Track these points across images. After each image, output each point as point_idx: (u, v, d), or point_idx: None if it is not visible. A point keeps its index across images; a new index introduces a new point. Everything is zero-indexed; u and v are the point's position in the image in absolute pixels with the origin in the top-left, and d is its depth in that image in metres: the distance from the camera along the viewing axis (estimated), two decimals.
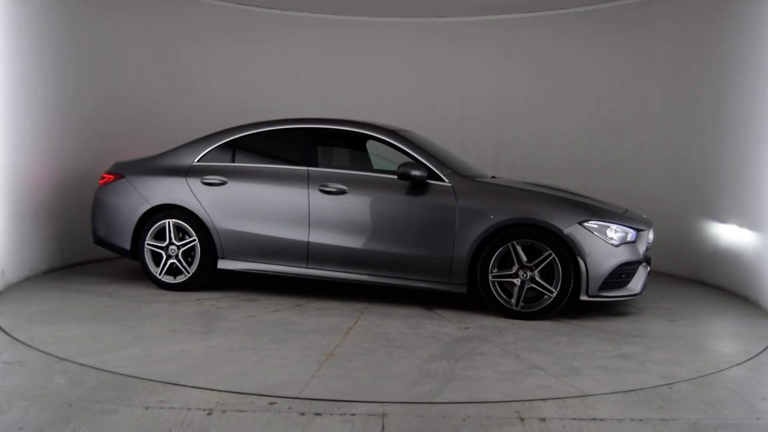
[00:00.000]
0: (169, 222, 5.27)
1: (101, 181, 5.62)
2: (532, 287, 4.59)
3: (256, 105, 7.67)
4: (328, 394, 3.09)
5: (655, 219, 6.58)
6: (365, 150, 5.60)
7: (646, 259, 4.89)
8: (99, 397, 2.99)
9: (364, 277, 4.96)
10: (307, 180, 5.05)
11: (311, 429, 2.73)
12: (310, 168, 5.10)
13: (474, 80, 8.03)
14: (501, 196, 4.77)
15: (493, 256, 4.62)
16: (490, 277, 4.63)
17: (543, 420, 2.87)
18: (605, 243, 4.57)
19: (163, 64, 7.20)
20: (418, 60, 8.15)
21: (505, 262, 4.63)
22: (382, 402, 3.02)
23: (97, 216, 5.60)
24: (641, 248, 4.76)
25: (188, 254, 5.27)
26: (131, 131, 6.84)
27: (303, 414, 2.86)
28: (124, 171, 5.53)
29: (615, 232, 4.62)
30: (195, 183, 5.27)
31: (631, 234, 4.70)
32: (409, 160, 4.94)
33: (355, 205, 4.95)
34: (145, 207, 5.32)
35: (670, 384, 3.37)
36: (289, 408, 2.92)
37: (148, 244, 5.30)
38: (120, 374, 3.28)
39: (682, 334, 4.42)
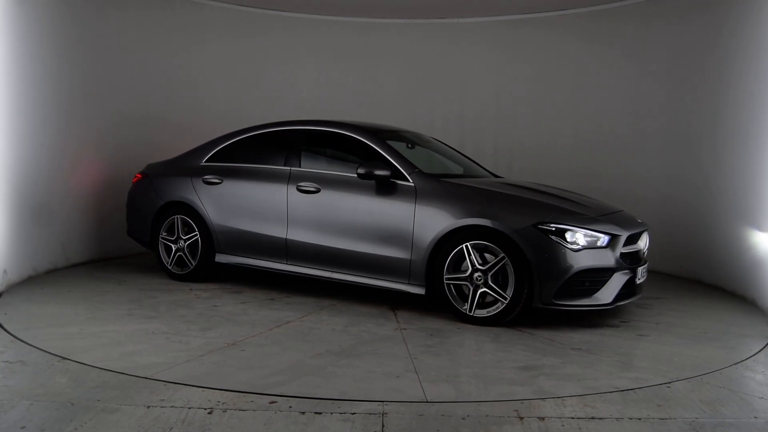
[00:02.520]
0: (177, 218, 5.68)
1: (134, 180, 6.11)
2: (487, 292, 4.38)
3: (259, 107, 7.70)
4: (179, 377, 3.26)
5: (654, 219, 6.59)
6: (342, 150, 5.47)
7: (630, 267, 4.49)
8: (101, 395, 3.01)
9: (335, 275, 5.02)
10: (288, 179, 5.21)
11: (311, 428, 2.74)
12: (292, 168, 5.26)
13: (474, 81, 8.04)
14: (459, 196, 4.59)
15: (447, 257, 4.48)
16: (444, 280, 4.51)
17: (542, 419, 2.89)
18: (562, 247, 4.24)
19: (168, 65, 7.20)
20: (418, 61, 8.16)
21: (462, 265, 4.46)
22: (383, 401, 3.04)
23: (128, 211, 6.11)
24: (613, 255, 4.37)
25: (196, 247, 5.62)
26: (134, 132, 6.85)
27: (303, 413, 2.88)
28: (148, 171, 6.05)
29: (582, 237, 4.28)
30: (198, 182, 5.63)
31: (602, 239, 4.35)
32: (379, 159, 4.90)
33: (326, 203, 5.02)
34: (159, 203, 5.78)
35: (669, 383, 3.39)
36: (290, 407, 2.94)
37: (162, 238, 5.76)
38: (121, 373, 3.30)
39: (630, 351, 4.01)
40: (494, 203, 4.52)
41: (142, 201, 5.92)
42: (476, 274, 4.40)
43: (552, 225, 4.30)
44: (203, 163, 5.71)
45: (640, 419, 2.91)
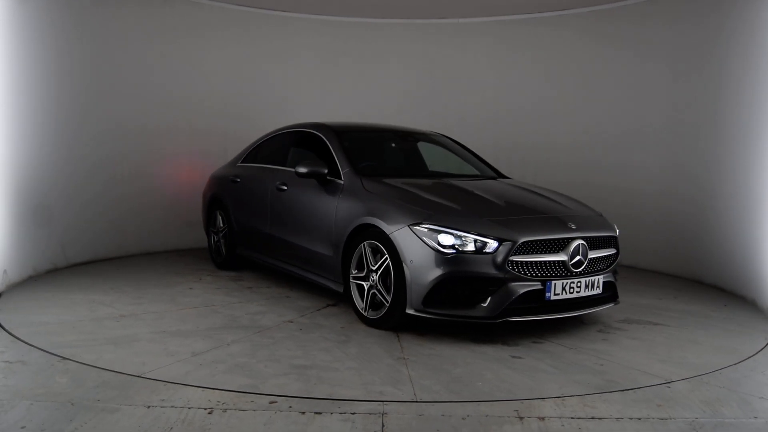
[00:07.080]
0: (217, 212, 6.28)
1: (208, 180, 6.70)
2: (375, 293, 4.24)
3: (259, 107, 7.70)
4: (41, 342, 3.76)
5: (654, 218, 6.59)
6: (313, 149, 5.36)
7: (537, 278, 3.93)
8: (101, 395, 3.01)
9: (293, 269, 5.23)
10: (274, 178, 5.48)
11: (312, 428, 2.74)
12: (280, 167, 5.53)
13: (474, 81, 8.05)
14: (372, 195, 4.43)
15: (352, 256, 4.39)
16: (351, 279, 4.43)
17: (542, 419, 2.89)
18: (433, 251, 3.88)
19: (171, 65, 7.21)
20: (418, 61, 8.17)
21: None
22: (382, 401, 3.04)
23: (202, 207, 6.69)
24: (500, 263, 3.84)
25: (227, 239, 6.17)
26: (129, 132, 6.86)
27: (303, 413, 2.88)
28: (214, 172, 6.59)
29: (461, 240, 3.87)
30: (228, 182, 6.15)
31: (489, 245, 3.85)
32: (328, 156, 4.97)
33: (290, 200, 5.21)
34: (208, 199, 6.42)
35: (669, 383, 3.39)
36: (290, 407, 2.94)
37: (210, 230, 6.42)
38: (122, 373, 3.30)
39: (450, 370, 3.50)
40: (385, 203, 4.28)
41: (204, 198, 6.57)
42: (371, 275, 4.27)
43: (425, 226, 3.96)
44: (238, 164, 6.21)
45: (640, 419, 2.91)
